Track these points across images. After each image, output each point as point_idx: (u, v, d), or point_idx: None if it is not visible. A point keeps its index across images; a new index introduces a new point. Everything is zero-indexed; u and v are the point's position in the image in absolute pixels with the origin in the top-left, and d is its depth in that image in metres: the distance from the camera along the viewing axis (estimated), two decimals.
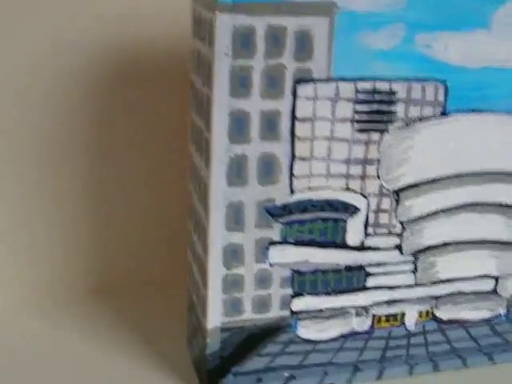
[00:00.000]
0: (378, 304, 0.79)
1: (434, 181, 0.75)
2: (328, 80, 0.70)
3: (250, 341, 0.76)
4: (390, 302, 0.79)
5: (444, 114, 0.74)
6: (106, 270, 0.98)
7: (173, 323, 0.87)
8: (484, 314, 0.84)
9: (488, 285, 0.82)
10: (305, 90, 0.69)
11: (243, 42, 0.67)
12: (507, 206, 0.78)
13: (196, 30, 0.74)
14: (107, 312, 0.84)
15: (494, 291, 0.83)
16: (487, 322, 0.84)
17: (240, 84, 0.67)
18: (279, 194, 0.71)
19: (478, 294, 0.82)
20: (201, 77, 0.71)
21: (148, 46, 0.91)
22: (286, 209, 0.71)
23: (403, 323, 0.81)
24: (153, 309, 0.90)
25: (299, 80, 0.69)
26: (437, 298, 0.80)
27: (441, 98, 0.73)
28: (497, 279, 0.82)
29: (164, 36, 0.91)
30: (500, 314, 0.84)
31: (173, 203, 0.92)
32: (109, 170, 0.96)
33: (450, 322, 0.83)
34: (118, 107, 0.92)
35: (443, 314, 0.82)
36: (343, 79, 0.70)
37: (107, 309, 0.85)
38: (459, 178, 0.75)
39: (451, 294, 0.81)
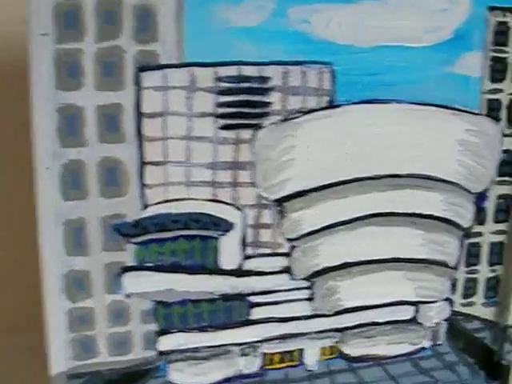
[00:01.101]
0: (269, 340, 0.66)
1: (326, 188, 0.62)
2: (180, 65, 0.57)
3: None
4: (282, 338, 0.66)
5: (333, 104, 0.61)
6: None
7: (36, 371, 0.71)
8: (404, 348, 0.71)
9: (406, 313, 0.69)
10: (151, 78, 0.57)
11: (68, 20, 0.54)
12: (422, 216, 0.63)
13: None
14: None
15: (414, 320, 0.69)
16: (409, 357, 0.71)
17: (68, 73, 0.55)
18: (129, 209, 0.59)
19: (395, 325, 0.69)
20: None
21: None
22: (140, 226, 0.59)
23: (302, 362, 0.67)
24: (14, 355, 0.75)
25: (143, 67, 0.57)
26: (342, 330, 0.66)
27: (327, 84, 0.60)
28: (416, 306, 0.67)
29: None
30: (424, 348, 0.71)
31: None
32: None
33: (362, 359, 0.69)
34: None
35: (352, 349, 0.69)
36: (199, 64, 0.58)
37: None
38: (359, 184, 0.62)
39: (360, 326, 0.67)
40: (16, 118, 0.70)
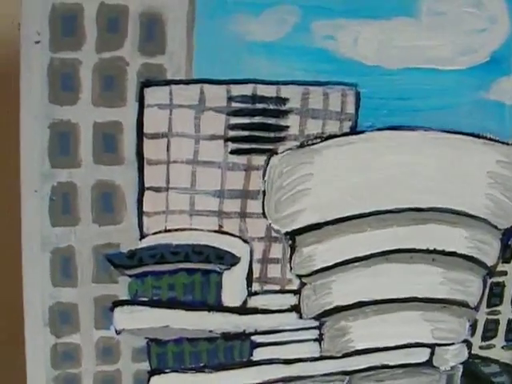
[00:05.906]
0: (271, 383, 0.60)
1: (342, 221, 0.57)
2: (188, 82, 0.52)
3: None
4: (286, 381, 0.60)
5: (355, 130, 0.55)
6: None
7: None
8: None
9: (420, 355, 0.64)
10: (156, 95, 0.52)
11: (66, 26, 0.49)
12: (443, 253, 0.57)
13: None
14: None
15: (429, 363, 0.63)
16: None
17: (63, 85, 0.50)
18: (125, 238, 0.54)
19: (408, 368, 0.63)
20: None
21: None
22: (135, 257, 0.54)
23: None
24: None
25: (147, 81, 0.51)
26: (351, 373, 0.61)
27: (350, 108, 0.55)
28: (432, 348, 0.61)
29: None
30: None
31: None
32: None
33: None
34: None
35: None
36: (210, 81, 0.52)
37: None
38: (378, 218, 0.58)
39: (371, 369, 0.61)
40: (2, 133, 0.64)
